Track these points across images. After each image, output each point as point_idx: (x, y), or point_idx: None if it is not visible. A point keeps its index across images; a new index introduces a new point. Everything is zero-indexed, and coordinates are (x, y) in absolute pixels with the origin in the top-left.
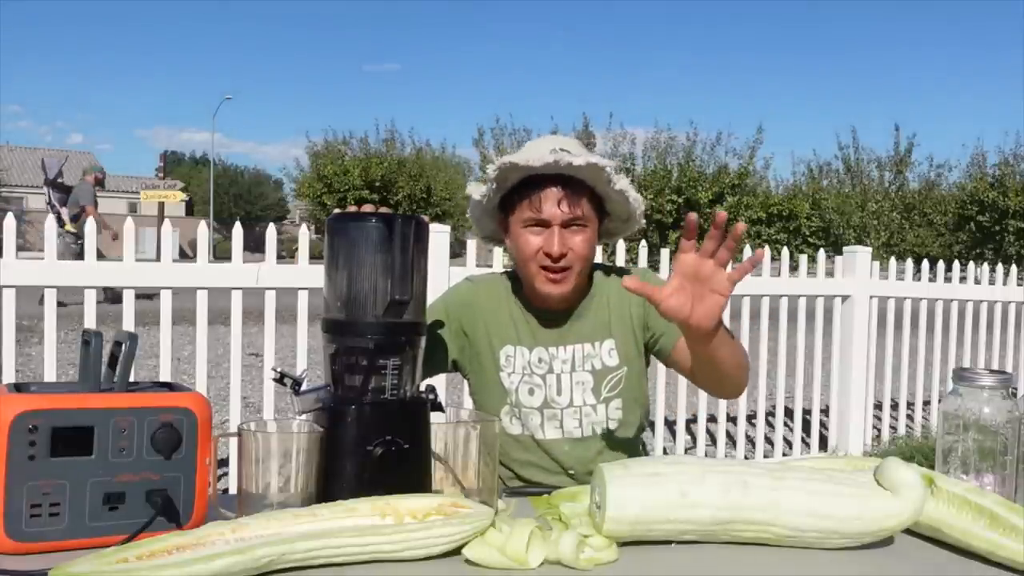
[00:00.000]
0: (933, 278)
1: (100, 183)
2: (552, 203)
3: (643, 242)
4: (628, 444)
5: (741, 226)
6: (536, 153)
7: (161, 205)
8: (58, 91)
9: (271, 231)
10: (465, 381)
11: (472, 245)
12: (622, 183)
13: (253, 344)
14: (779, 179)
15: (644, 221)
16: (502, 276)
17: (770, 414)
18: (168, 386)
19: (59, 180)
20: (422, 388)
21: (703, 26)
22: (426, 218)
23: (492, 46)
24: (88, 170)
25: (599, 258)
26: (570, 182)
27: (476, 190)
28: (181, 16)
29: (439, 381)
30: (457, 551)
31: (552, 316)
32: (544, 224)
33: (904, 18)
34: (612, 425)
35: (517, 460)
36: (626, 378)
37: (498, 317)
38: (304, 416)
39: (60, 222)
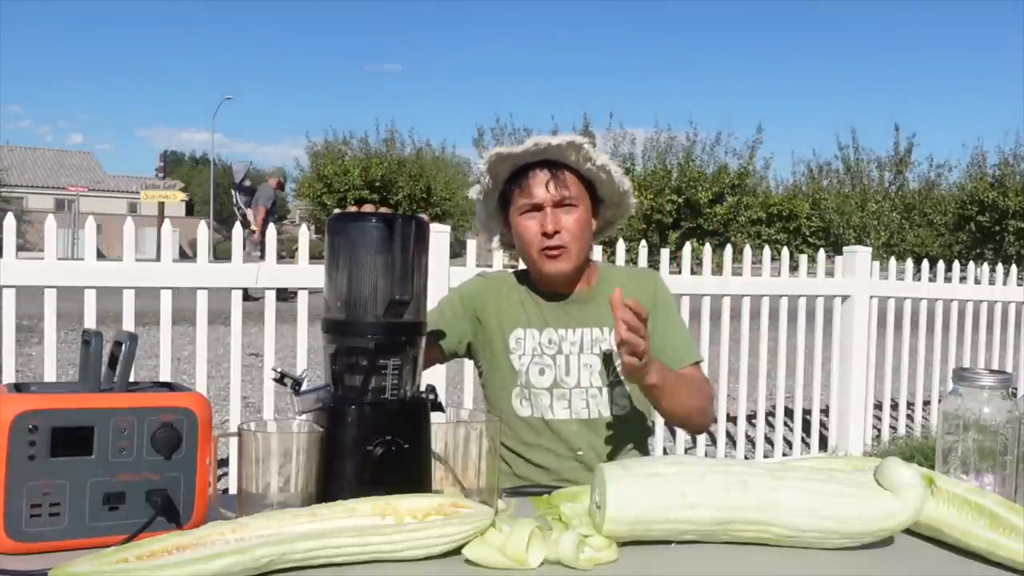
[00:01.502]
0: (933, 278)
1: (281, 186)
2: (541, 186)
3: (643, 242)
4: (636, 429)
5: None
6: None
7: (161, 205)
8: (58, 91)
9: (271, 231)
10: (474, 372)
11: (472, 245)
12: (602, 159)
13: (253, 344)
14: (779, 179)
15: (634, 201)
16: (512, 272)
17: (770, 414)
18: (168, 386)
19: (245, 183)
20: (422, 388)
21: (703, 26)
22: (426, 218)
23: (493, 46)
24: (272, 174)
25: (598, 257)
26: (556, 166)
27: (474, 190)
28: (182, 16)
29: (439, 381)
30: (457, 551)
31: (560, 300)
32: (537, 208)
33: (904, 18)
34: (618, 411)
35: (526, 443)
36: None
37: (509, 303)
38: (304, 416)
39: (246, 223)
